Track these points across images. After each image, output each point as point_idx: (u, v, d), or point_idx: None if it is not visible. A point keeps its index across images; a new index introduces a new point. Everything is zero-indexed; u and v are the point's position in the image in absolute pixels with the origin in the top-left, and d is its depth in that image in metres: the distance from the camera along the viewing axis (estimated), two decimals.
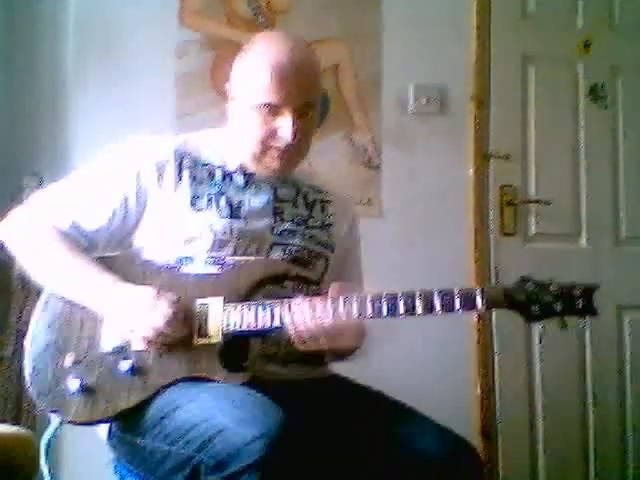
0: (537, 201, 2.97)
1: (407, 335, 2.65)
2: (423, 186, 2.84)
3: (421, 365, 2.74)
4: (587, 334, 2.98)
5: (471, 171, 2.90)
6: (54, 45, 2.65)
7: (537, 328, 2.88)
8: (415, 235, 2.82)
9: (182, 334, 1.54)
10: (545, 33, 3.02)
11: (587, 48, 3.06)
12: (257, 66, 1.66)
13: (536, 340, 2.92)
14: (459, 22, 2.91)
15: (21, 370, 1.62)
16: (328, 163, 2.72)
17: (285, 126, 1.64)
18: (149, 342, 1.54)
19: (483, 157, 2.91)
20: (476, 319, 2.85)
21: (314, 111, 1.72)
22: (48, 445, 2.00)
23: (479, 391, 2.86)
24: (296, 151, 1.70)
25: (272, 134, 1.66)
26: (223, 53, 2.58)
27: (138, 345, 1.55)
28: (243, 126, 1.70)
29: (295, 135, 1.64)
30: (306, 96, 1.66)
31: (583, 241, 3.05)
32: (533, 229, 2.99)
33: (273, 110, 1.64)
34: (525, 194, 2.97)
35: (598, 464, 2.96)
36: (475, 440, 2.73)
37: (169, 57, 2.63)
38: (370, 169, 2.82)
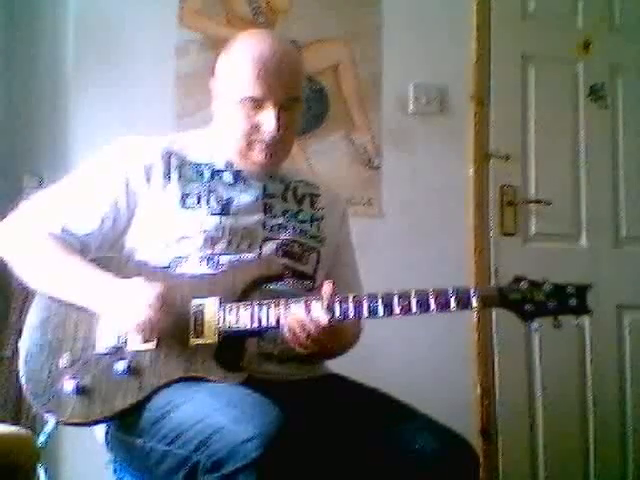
0: (537, 201, 2.97)
1: (407, 335, 2.65)
2: (423, 186, 2.84)
3: (421, 365, 2.74)
4: (587, 334, 2.99)
5: (471, 171, 2.90)
6: (54, 45, 2.65)
7: (538, 332, 2.88)
8: (415, 235, 2.82)
9: (169, 322, 1.53)
10: (545, 33, 3.02)
11: (587, 48, 3.07)
12: (240, 61, 1.68)
13: (536, 340, 2.92)
14: (459, 22, 2.91)
15: None
16: (328, 163, 2.73)
17: (268, 120, 1.65)
18: (141, 331, 1.53)
19: (483, 157, 2.91)
20: (476, 319, 2.85)
21: (298, 106, 1.72)
22: (44, 446, 2.00)
23: (479, 391, 2.86)
24: (281, 145, 1.70)
25: (256, 128, 1.67)
26: None
27: (133, 339, 1.55)
28: (228, 121, 1.71)
29: (278, 129, 1.65)
30: (289, 90, 1.68)
31: (583, 241, 3.05)
32: (533, 229, 2.99)
33: (256, 104, 1.66)
34: (525, 194, 2.97)
35: (598, 464, 2.96)
36: (475, 440, 2.73)
37: (169, 57, 2.63)
38: (370, 169, 2.82)
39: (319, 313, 1.50)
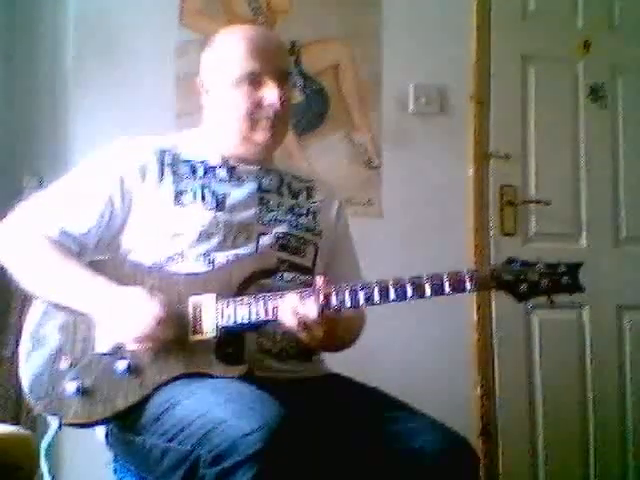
0: (537, 201, 2.97)
1: (407, 335, 2.65)
2: (423, 186, 2.84)
3: (421, 365, 2.74)
4: (587, 334, 2.99)
5: (471, 171, 2.90)
6: (54, 45, 2.66)
7: (537, 328, 2.88)
8: (415, 235, 2.82)
9: (172, 335, 1.54)
10: (545, 33, 3.02)
11: (587, 48, 3.07)
12: (229, 46, 1.71)
13: (536, 340, 2.92)
14: (459, 22, 2.91)
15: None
16: (328, 163, 2.73)
17: (270, 92, 1.67)
18: (140, 343, 1.54)
19: (483, 157, 2.91)
20: (476, 319, 2.85)
21: (290, 85, 1.76)
22: (48, 448, 2.00)
23: (479, 391, 2.86)
24: (282, 122, 1.72)
25: (258, 105, 1.68)
26: None
27: (131, 346, 1.56)
28: (227, 108, 1.72)
29: (282, 99, 1.67)
30: (282, 63, 1.72)
31: (583, 241, 3.05)
32: (533, 229, 2.99)
33: (255, 80, 1.68)
34: (525, 194, 2.97)
35: (598, 464, 2.96)
36: (475, 440, 2.73)
37: (169, 57, 2.62)
38: (370, 169, 2.82)
39: (311, 306, 1.50)
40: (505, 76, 2.97)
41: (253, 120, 1.69)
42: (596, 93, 3.07)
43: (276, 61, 1.70)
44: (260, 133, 1.70)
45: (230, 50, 1.70)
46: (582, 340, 2.98)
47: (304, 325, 1.51)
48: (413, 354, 2.75)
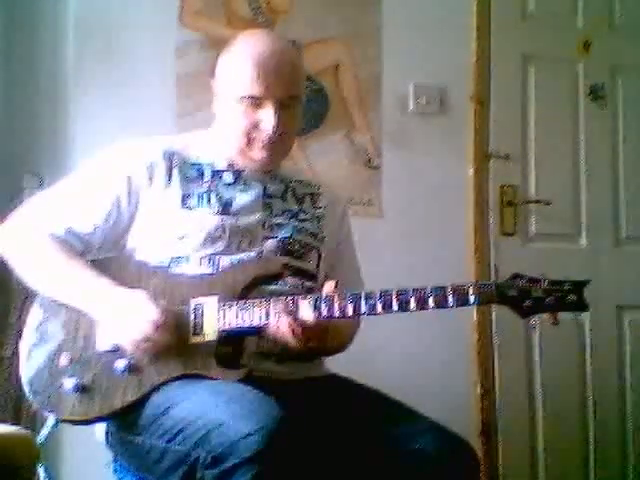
0: (537, 201, 2.97)
1: (407, 335, 2.65)
2: (423, 186, 2.84)
3: (421, 365, 2.74)
4: (587, 334, 2.99)
5: (471, 171, 2.90)
6: (54, 45, 2.65)
7: (536, 327, 2.88)
8: (415, 235, 2.82)
9: (170, 340, 1.54)
10: (545, 33, 3.02)
11: (587, 48, 3.07)
12: (239, 60, 1.69)
13: (536, 340, 2.92)
14: (459, 22, 2.91)
15: None
16: (328, 163, 2.73)
17: (267, 118, 1.66)
18: (138, 346, 1.54)
19: (483, 157, 2.91)
20: (476, 319, 2.85)
21: (298, 105, 1.73)
22: (44, 443, 2.00)
23: (479, 391, 2.86)
24: (280, 143, 1.71)
25: (255, 126, 1.68)
26: None
27: (130, 349, 1.55)
28: (228, 120, 1.72)
29: (277, 127, 1.66)
30: (288, 89, 1.68)
31: (583, 241, 3.05)
32: (533, 229, 2.99)
33: (255, 102, 1.67)
34: (525, 194, 2.98)
35: (598, 464, 2.96)
36: (475, 440, 2.73)
37: (169, 57, 2.63)
38: (370, 169, 2.82)
39: (306, 312, 1.51)
40: (505, 76, 2.97)
41: (250, 138, 1.69)
42: (596, 93, 3.07)
43: (281, 86, 1.66)
44: (256, 151, 1.71)
45: (239, 66, 1.68)
46: (582, 340, 2.98)
47: (293, 331, 1.51)
48: (413, 354, 2.75)
